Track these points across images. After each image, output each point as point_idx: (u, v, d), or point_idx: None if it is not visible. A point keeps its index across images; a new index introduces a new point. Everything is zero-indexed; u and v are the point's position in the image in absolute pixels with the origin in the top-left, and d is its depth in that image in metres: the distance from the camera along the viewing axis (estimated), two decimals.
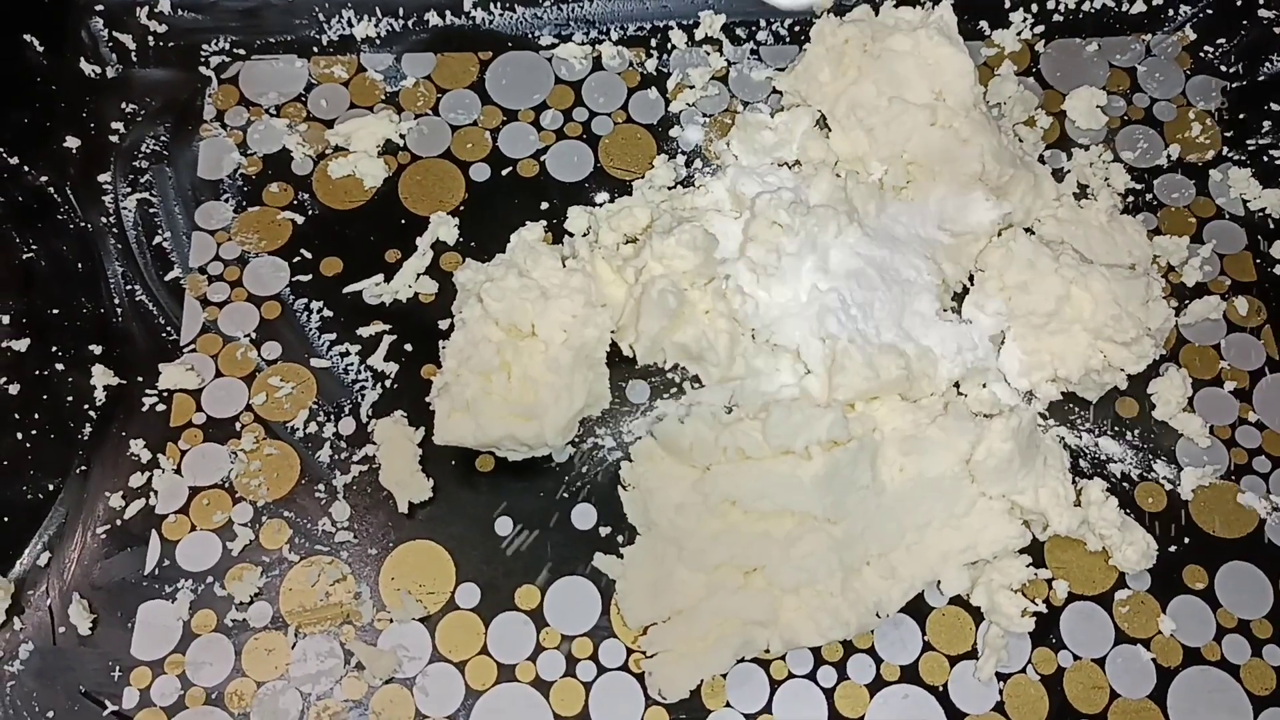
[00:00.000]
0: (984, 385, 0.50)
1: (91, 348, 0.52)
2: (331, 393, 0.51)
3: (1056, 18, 0.60)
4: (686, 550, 0.46)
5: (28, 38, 0.58)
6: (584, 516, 0.49)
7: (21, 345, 0.51)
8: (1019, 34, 0.60)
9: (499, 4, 0.60)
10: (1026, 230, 0.53)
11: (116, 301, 0.53)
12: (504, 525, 0.48)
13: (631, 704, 0.45)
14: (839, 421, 0.45)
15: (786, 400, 0.47)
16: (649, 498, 0.48)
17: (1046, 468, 0.48)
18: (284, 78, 0.58)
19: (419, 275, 0.53)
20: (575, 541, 0.48)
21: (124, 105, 0.57)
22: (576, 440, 0.50)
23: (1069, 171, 0.56)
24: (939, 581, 0.47)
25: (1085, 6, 0.60)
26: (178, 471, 0.49)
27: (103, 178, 0.56)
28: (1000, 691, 0.46)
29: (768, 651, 0.46)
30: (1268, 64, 0.59)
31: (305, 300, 0.53)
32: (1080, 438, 0.51)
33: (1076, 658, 0.46)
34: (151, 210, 0.55)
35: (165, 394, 0.51)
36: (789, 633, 0.45)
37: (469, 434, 0.47)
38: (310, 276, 0.53)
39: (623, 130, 0.57)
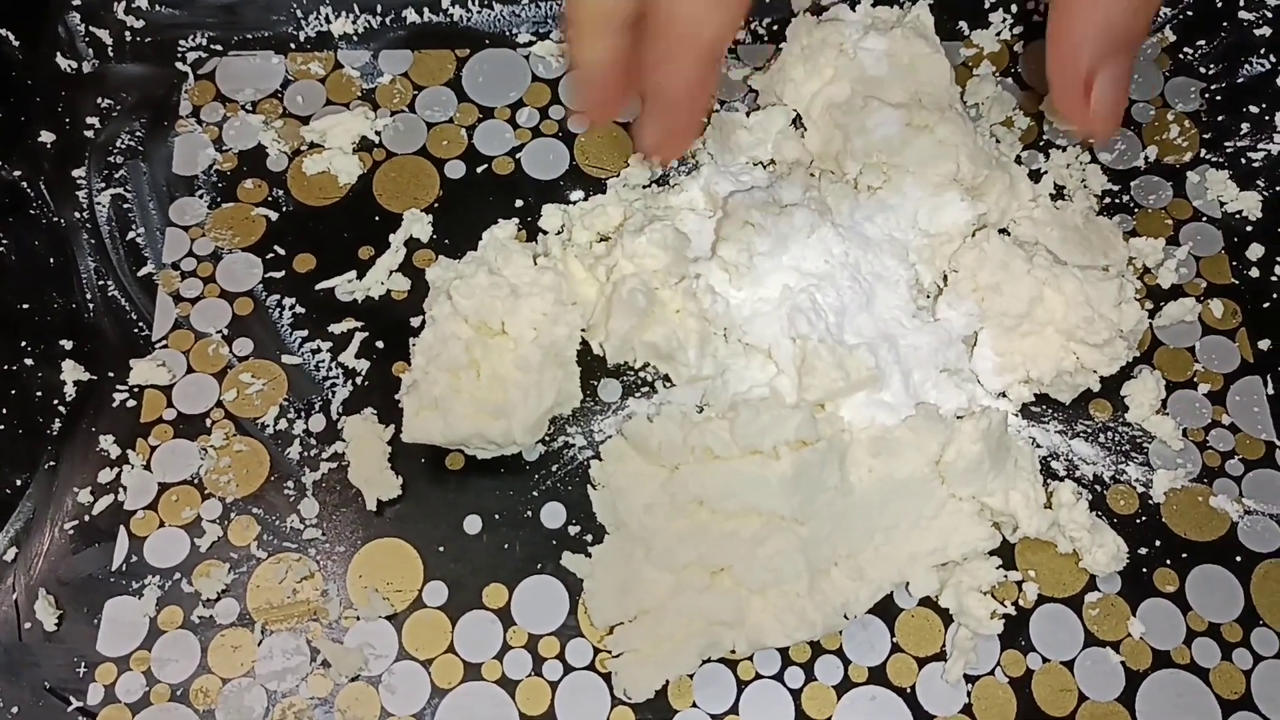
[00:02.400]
0: (956, 387, 0.49)
1: (62, 343, 0.52)
2: (302, 389, 0.51)
3: (1036, 18, 0.60)
4: (654, 550, 0.46)
5: (3, 32, 0.58)
6: (554, 515, 0.49)
7: None
8: (998, 34, 0.59)
9: (477, 1, 0.60)
10: (1001, 231, 0.53)
11: (88, 297, 0.53)
12: (473, 524, 0.48)
13: (598, 704, 0.45)
14: (807, 421, 0.45)
15: (755, 400, 0.47)
16: (618, 497, 0.47)
17: (1017, 469, 0.48)
18: (260, 74, 0.58)
19: (392, 272, 0.53)
20: (544, 540, 0.48)
21: (99, 100, 0.57)
22: (547, 439, 0.50)
23: (1046, 173, 0.56)
24: (908, 583, 0.47)
25: None
26: (147, 467, 0.49)
27: (77, 173, 0.55)
28: (968, 694, 0.46)
29: (734, 652, 0.45)
30: (1247, 66, 0.59)
31: (278, 297, 0.53)
32: (1052, 440, 0.50)
33: (1045, 660, 0.46)
34: (125, 206, 0.55)
35: (136, 390, 0.51)
36: (755, 633, 0.45)
37: (437, 432, 0.47)
38: (283, 273, 0.53)
39: (598, 128, 0.57)
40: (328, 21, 0.59)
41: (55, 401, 0.50)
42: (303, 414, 0.50)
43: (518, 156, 0.56)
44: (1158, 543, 0.48)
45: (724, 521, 0.46)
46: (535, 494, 0.49)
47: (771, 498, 0.45)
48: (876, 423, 0.47)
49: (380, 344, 0.52)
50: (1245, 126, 0.57)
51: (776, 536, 0.45)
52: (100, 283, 0.53)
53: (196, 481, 0.49)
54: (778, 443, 0.45)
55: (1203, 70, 0.59)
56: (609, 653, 0.46)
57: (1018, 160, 0.56)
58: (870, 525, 0.46)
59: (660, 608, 0.45)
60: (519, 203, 0.55)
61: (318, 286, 0.53)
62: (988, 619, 0.46)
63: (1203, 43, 0.59)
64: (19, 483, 0.49)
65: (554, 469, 0.49)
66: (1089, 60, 0.42)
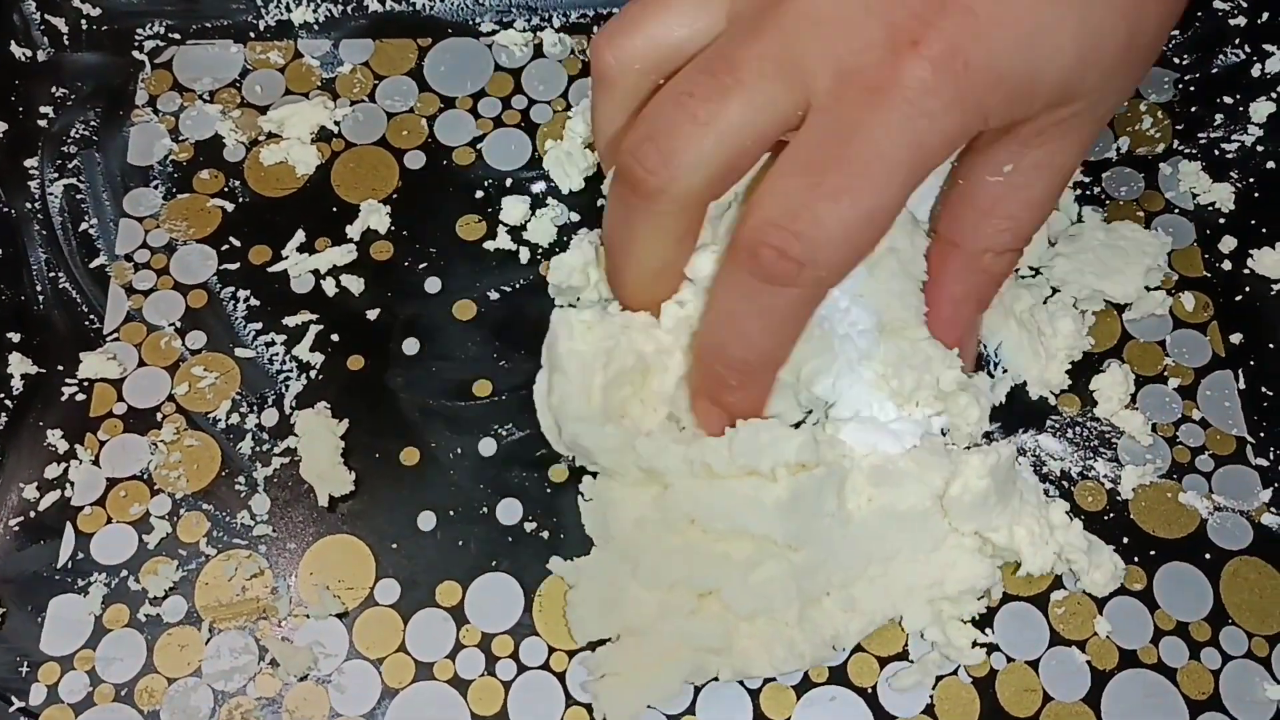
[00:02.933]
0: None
1: (10, 335, 0.51)
2: (255, 383, 0.50)
3: None
4: (641, 567, 0.44)
5: None
6: (509, 511, 0.48)
7: None
8: None
9: None
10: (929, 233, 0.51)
11: (38, 289, 0.52)
12: (427, 520, 0.47)
13: (551, 704, 0.44)
14: (808, 443, 0.43)
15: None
16: (609, 510, 0.46)
17: (1022, 504, 0.46)
18: (219, 63, 0.57)
19: (346, 264, 0.52)
20: (500, 537, 0.47)
21: (54, 89, 0.56)
22: (505, 433, 0.49)
23: None
24: (900, 617, 0.45)
25: None
26: (95, 463, 0.48)
27: (29, 163, 0.54)
28: (931, 695, 0.45)
29: (717, 679, 0.44)
30: (1221, 57, 0.58)
31: (232, 289, 0.52)
32: (1019, 435, 0.49)
33: (1010, 660, 0.45)
34: (79, 196, 0.54)
35: (85, 383, 0.50)
36: (741, 662, 0.43)
37: None
38: (238, 265, 0.52)
39: (562, 118, 0.56)
40: (288, 10, 0.58)
41: (1, 395, 0.49)
42: (255, 408, 0.49)
43: (479, 147, 0.55)
44: (1126, 540, 0.47)
45: (715, 542, 0.44)
46: (490, 490, 0.48)
47: (766, 521, 0.43)
48: (879, 450, 0.46)
49: (335, 337, 0.51)
50: (1219, 118, 0.56)
51: (769, 562, 0.43)
52: (51, 274, 0.52)
53: (146, 477, 0.48)
54: (777, 464, 0.43)
55: (1176, 60, 0.58)
56: (564, 652, 0.45)
57: None
58: (866, 555, 0.45)
59: (644, 630, 0.44)
60: (479, 194, 0.54)
61: (270, 269, 0.52)
62: (969, 649, 0.45)
63: (1176, 33, 0.58)
64: None
65: (512, 465, 0.48)
66: (964, 329, 0.47)
